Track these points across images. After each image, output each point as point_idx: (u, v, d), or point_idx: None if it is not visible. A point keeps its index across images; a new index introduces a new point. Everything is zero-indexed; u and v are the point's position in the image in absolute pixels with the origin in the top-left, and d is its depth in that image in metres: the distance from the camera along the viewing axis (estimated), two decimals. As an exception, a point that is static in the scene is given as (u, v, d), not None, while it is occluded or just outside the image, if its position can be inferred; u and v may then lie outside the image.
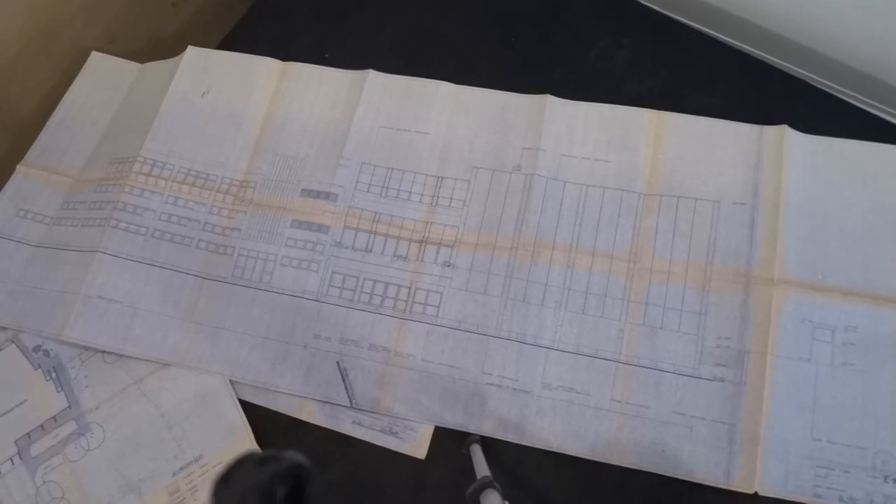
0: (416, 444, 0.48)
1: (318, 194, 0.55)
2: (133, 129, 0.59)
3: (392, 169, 0.55)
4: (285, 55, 0.60)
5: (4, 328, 0.53)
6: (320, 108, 0.58)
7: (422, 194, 0.54)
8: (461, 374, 0.49)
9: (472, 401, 0.48)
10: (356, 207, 0.54)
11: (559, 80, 0.57)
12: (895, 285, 0.47)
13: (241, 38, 0.63)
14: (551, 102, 0.55)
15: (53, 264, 0.55)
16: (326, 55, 0.60)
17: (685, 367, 0.47)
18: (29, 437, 0.50)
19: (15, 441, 0.50)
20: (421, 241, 0.52)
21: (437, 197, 0.54)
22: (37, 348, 0.52)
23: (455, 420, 0.48)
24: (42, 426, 0.50)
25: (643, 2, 0.60)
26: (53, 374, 0.52)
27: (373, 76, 0.58)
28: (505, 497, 0.39)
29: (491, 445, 0.47)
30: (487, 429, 0.48)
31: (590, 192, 0.52)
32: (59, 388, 0.51)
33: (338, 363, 0.50)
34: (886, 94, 0.54)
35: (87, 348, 0.52)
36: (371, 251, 0.53)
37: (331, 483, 0.48)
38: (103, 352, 0.52)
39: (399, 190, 0.54)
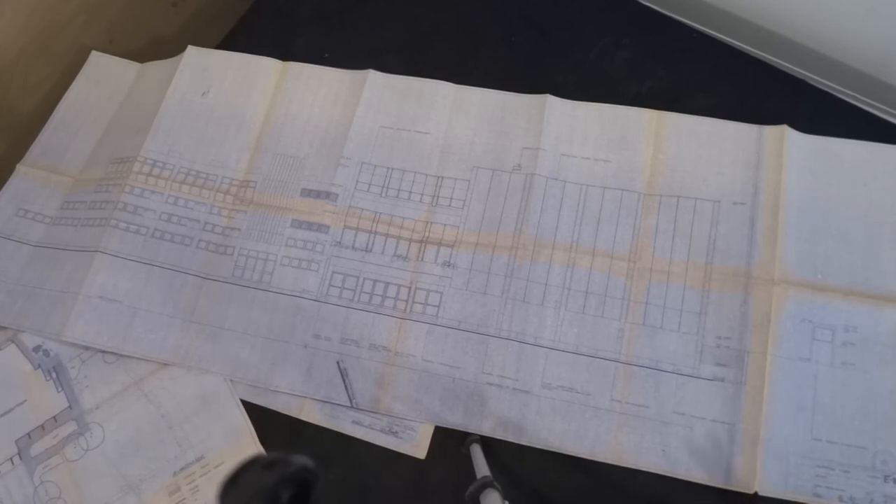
0: (416, 444, 0.48)
1: (318, 194, 0.55)
2: (133, 128, 0.59)
3: (392, 169, 0.55)
4: (285, 55, 0.60)
5: (4, 328, 0.53)
6: (320, 108, 0.58)
7: (422, 194, 0.54)
8: (461, 373, 0.49)
9: (472, 401, 0.48)
10: (356, 207, 0.54)
11: (559, 80, 0.57)
12: (895, 285, 0.47)
13: (241, 38, 0.63)
14: (551, 102, 0.55)
15: (53, 264, 0.55)
16: (326, 55, 0.60)
17: (685, 367, 0.47)
18: (29, 437, 0.50)
19: (15, 441, 0.50)
20: (421, 241, 0.52)
21: (437, 197, 0.54)
22: (37, 348, 0.52)
23: (455, 420, 0.48)
24: (42, 426, 0.50)
25: (643, 2, 0.60)
26: (53, 374, 0.52)
27: (373, 76, 0.58)
28: (505, 497, 0.39)
29: (491, 445, 0.47)
30: (487, 429, 0.48)
31: (590, 191, 0.52)
32: (60, 388, 0.51)
33: (338, 363, 0.50)
34: (886, 94, 0.54)
35: (87, 348, 0.52)
36: (371, 251, 0.53)
37: (331, 483, 0.48)
38: (103, 352, 0.52)
39: (399, 190, 0.54)
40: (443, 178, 0.54)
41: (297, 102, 0.58)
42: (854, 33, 0.53)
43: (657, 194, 0.51)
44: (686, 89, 0.55)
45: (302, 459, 0.30)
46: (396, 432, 0.49)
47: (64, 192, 0.59)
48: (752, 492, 0.44)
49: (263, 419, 0.50)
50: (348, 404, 0.49)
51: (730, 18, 0.58)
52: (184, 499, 0.48)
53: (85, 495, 0.48)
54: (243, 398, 0.50)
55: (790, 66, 0.57)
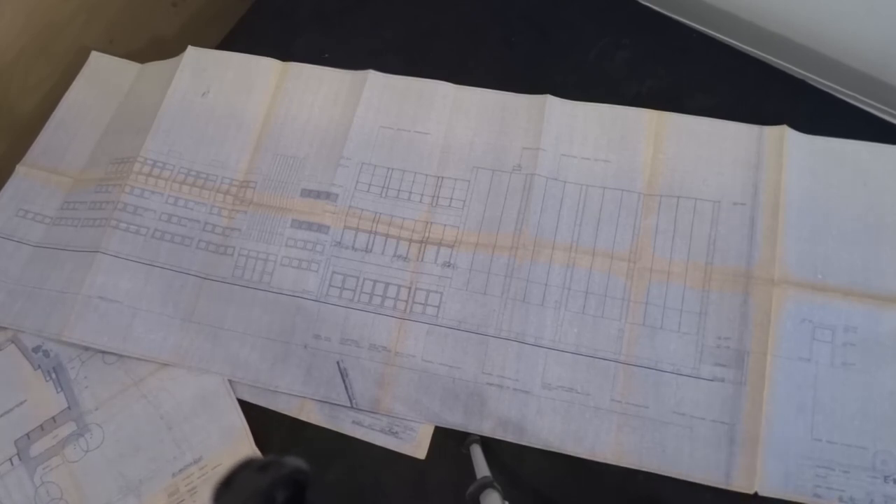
0: (416, 444, 0.48)
1: (318, 194, 0.55)
2: (133, 129, 0.59)
3: (392, 169, 0.55)
4: (285, 55, 0.60)
5: (4, 328, 0.53)
6: (320, 108, 0.58)
7: (422, 194, 0.54)
8: (461, 374, 0.49)
9: (472, 401, 0.48)
10: (356, 207, 0.54)
11: (559, 80, 0.57)
12: (895, 285, 0.47)
13: (241, 38, 0.63)
14: (551, 102, 0.54)
15: (53, 264, 0.55)
16: (326, 55, 0.60)
17: (685, 367, 0.47)
18: (28, 437, 0.50)
19: (14, 441, 0.50)
20: (421, 241, 0.52)
21: (437, 197, 0.54)
22: (37, 348, 0.52)
23: (455, 420, 0.48)
24: (42, 427, 0.50)
25: (643, 2, 0.60)
26: (53, 375, 0.52)
27: (373, 76, 0.58)
28: (505, 497, 0.39)
29: (491, 445, 0.47)
30: (487, 429, 0.48)
31: (590, 191, 0.52)
32: (59, 389, 0.51)
33: (338, 363, 0.50)
34: (886, 94, 0.54)
35: (87, 348, 0.52)
36: (371, 251, 0.53)
37: (331, 483, 0.48)
38: (103, 352, 0.52)
39: (399, 190, 0.54)
40: (443, 178, 0.54)
41: (297, 102, 0.58)
42: (854, 33, 0.53)
43: (657, 194, 0.51)
44: (686, 89, 0.55)
45: (295, 461, 0.30)
46: (396, 432, 0.49)
47: (64, 192, 0.59)
48: (752, 492, 0.44)
49: (263, 419, 0.50)
50: (348, 404, 0.49)
51: (730, 18, 0.58)
52: (182, 500, 0.48)
53: (86, 496, 0.48)
54: (243, 398, 0.50)
55: (790, 66, 0.57)
